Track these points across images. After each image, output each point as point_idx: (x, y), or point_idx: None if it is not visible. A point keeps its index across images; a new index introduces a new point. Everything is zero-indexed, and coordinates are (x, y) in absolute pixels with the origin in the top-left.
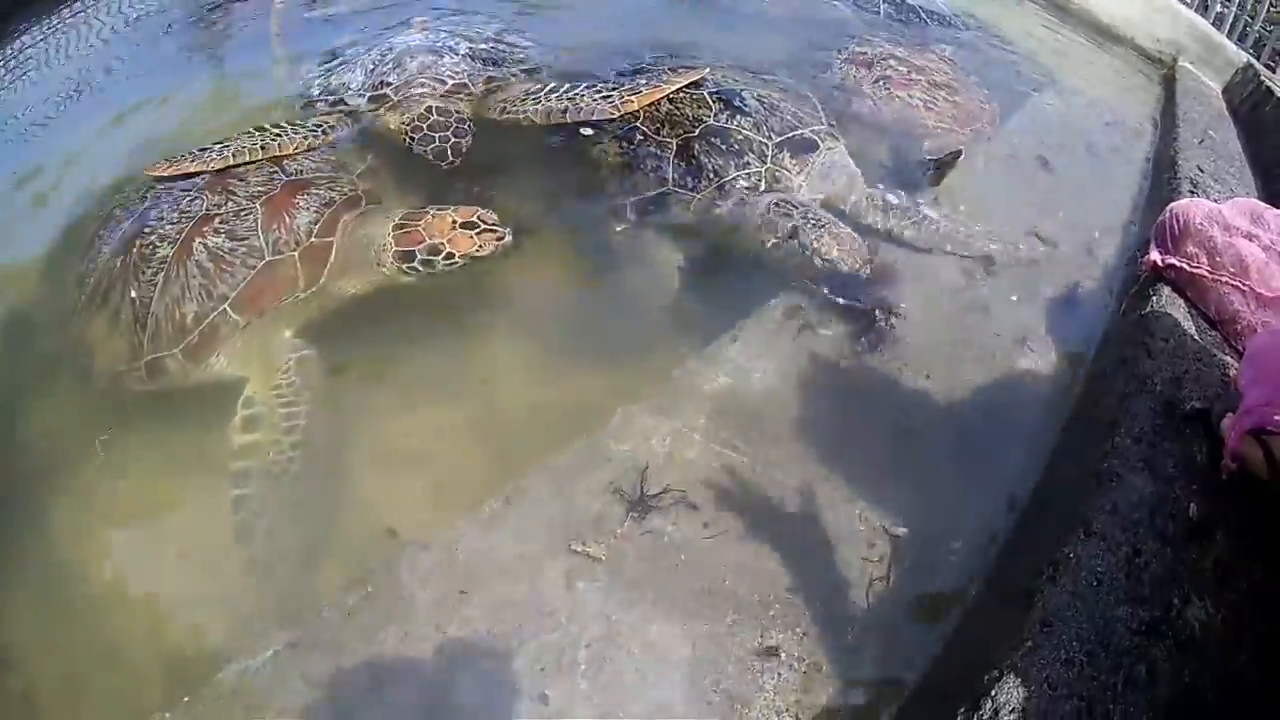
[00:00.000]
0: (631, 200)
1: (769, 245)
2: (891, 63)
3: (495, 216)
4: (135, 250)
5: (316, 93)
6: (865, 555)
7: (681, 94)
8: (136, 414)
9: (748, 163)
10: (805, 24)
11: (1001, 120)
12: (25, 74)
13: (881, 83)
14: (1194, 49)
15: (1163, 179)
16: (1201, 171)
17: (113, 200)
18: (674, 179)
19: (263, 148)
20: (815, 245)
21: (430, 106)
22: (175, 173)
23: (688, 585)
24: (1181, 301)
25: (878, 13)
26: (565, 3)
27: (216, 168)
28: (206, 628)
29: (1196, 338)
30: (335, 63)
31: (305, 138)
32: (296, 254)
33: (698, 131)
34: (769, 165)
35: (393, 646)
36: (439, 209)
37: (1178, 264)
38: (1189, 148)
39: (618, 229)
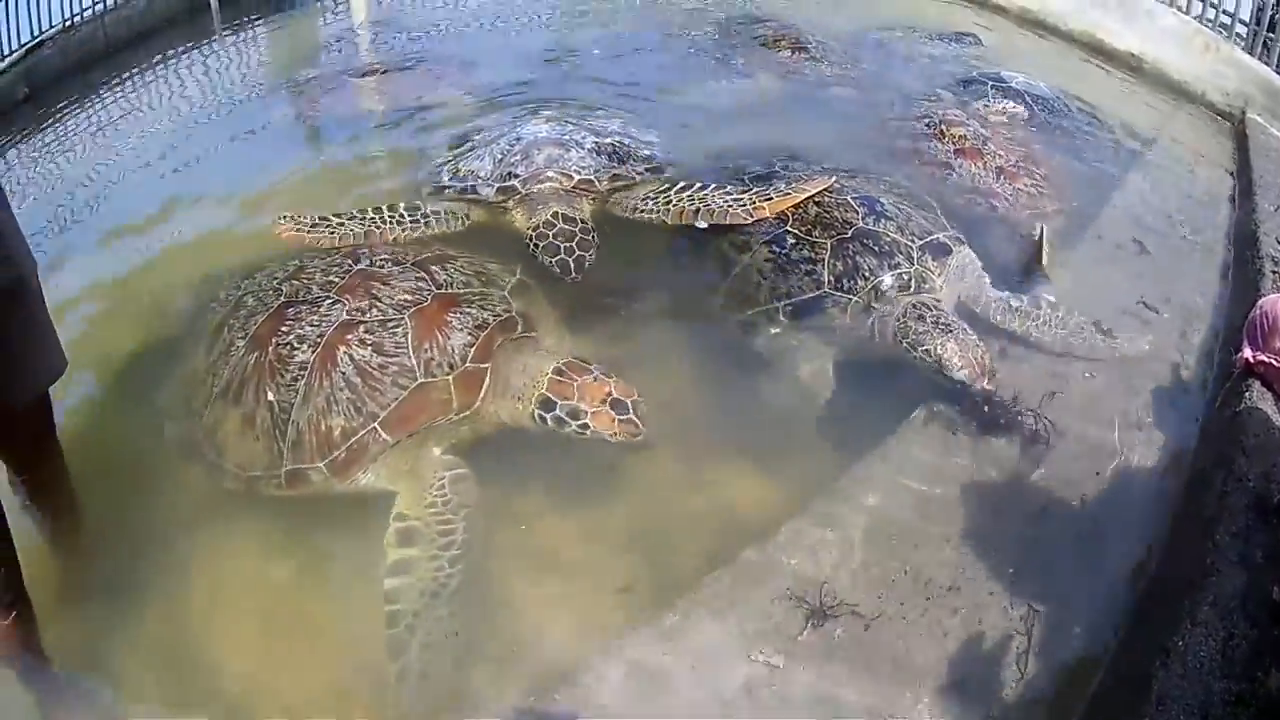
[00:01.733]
0: (785, 304)
1: (905, 349)
2: (992, 147)
3: (645, 408)
4: (271, 349)
5: (446, 178)
6: (1006, 645)
7: (825, 198)
8: (268, 513)
9: (898, 263)
10: (912, 111)
11: (1098, 201)
12: (120, 140)
13: (1001, 175)
14: (1260, 99)
15: (1245, 255)
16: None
17: (241, 287)
18: (830, 281)
19: (365, 234)
20: (940, 353)
21: (556, 213)
22: (297, 232)
23: (853, 684)
24: (1270, 395)
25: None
26: (683, 99)
27: (326, 246)
28: None
29: None
30: (464, 148)
31: (406, 230)
32: (450, 379)
33: (850, 233)
34: (916, 266)
35: None
36: (604, 373)
37: (1267, 360)
38: (1267, 219)
39: (773, 332)
